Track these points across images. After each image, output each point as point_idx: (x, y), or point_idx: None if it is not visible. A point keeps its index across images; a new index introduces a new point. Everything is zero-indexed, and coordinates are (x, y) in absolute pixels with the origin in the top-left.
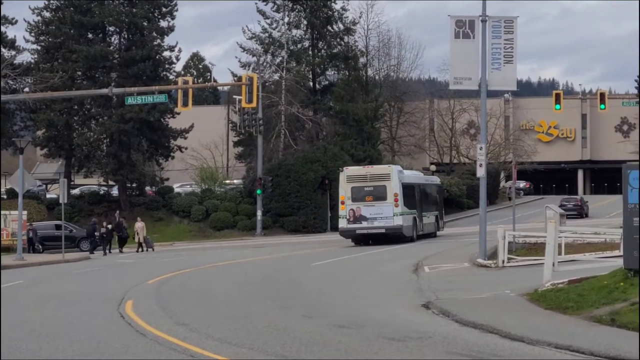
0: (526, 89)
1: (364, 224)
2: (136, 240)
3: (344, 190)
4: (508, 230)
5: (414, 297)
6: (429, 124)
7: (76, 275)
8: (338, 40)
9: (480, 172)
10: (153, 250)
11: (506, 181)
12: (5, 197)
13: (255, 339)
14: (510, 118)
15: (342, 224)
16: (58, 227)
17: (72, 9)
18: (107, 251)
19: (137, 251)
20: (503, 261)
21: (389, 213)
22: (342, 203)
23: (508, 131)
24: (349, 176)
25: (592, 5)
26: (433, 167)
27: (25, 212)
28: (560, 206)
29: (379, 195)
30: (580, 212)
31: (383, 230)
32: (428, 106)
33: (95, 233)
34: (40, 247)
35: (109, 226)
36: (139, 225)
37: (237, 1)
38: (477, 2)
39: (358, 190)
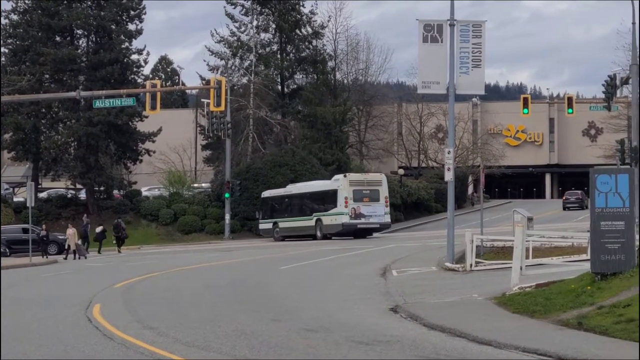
0: (494, 93)
1: (363, 220)
2: (66, 247)
3: (347, 192)
4: (476, 234)
5: (382, 300)
6: (397, 128)
7: (43, 279)
8: (306, 44)
9: (449, 176)
10: (85, 258)
11: (474, 185)
12: None
13: (223, 343)
14: (478, 122)
15: (345, 219)
16: (25, 230)
17: (40, 11)
18: (99, 252)
19: (66, 258)
20: (471, 265)
21: (381, 212)
22: (346, 203)
23: (476, 135)
24: (351, 181)
25: (563, 9)
26: (401, 171)
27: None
28: (565, 199)
29: (374, 197)
30: (581, 204)
31: (377, 225)
32: (396, 110)
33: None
34: (7, 250)
35: (101, 227)
36: (70, 231)
37: (208, 5)
38: (448, 5)
39: (358, 193)
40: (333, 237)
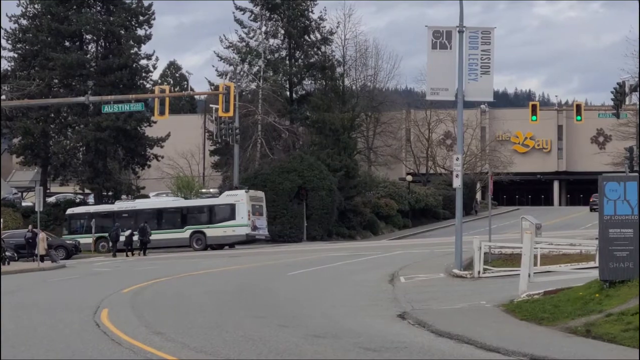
0: (503, 100)
1: (256, 231)
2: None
3: (248, 206)
4: (484, 241)
5: (390, 307)
6: (405, 134)
7: (52, 284)
8: (315, 49)
9: (457, 182)
10: (57, 262)
11: (482, 192)
12: None
13: (231, 349)
14: (486, 129)
15: (247, 230)
16: (34, 235)
17: (49, 16)
18: (128, 254)
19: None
20: (479, 272)
21: (264, 225)
22: (248, 216)
23: (484, 142)
24: (251, 196)
25: (572, 17)
26: (409, 178)
27: (1, 220)
28: (592, 202)
29: (261, 212)
30: None
31: (264, 237)
32: (405, 116)
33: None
34: (15, 255)
35: (130, 230)
36: (41, 236)
37: (218, 11)
38: (458, 12)
39: (254, 207)
40: (226, 247)
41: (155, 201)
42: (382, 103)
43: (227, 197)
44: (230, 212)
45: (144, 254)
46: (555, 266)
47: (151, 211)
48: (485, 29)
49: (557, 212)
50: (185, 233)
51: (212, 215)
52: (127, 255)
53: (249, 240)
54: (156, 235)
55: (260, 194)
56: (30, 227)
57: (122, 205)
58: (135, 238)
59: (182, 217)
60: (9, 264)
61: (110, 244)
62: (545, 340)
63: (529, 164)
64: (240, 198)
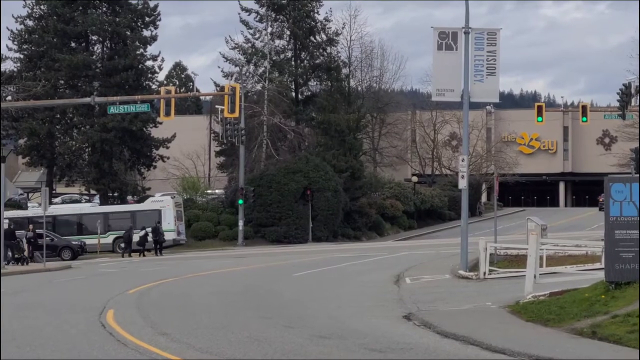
0: (508, 101)
1: (181, 236)
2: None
3: (174, 212)
4: (490, 242)
5: (395, 308)
6: (411, 136)
7: (57, 284)
8: (321, 51)
9: (462, 183)
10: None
11: (488, 193)
12: None
13: (236, 350)
14: (492, 130)
15: (174, 235)
16: (39, 236)
17: (55, 17)
18: (143, 254)
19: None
20: (484, 273)
21: (183, 229)
22: (174, 221)
23: (490, 143)
24: (176, 202)
25: (579, 18)
26: (415, 179)
27: (6, 221)
28: (600, 202)
29: (180, 217)
30: None
31: (184, 242)
32: (410, 117)
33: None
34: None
35: (147, 229)
36: (30, 234)
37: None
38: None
39: (177, 213)
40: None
41: (75, 207)
42: (387, 104)
43: (152, 203)
44: (157, 217)
45: (158, 254)
46: (561, 267)
47: (69, 217)
48: (491, 30)
49: (562, 213)
50: (108, 238)
51: (136, 220)
52: (141, 256)
53: (174, 245)
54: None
55: (180, 199)
56: (31, 227)
57: (37, 211)
58: (150, 238)
59: (104, 222)
60: (27, 263)
61: (124, 244)
62: (551, 342)
63: (535, 165)
64: (166, 204)
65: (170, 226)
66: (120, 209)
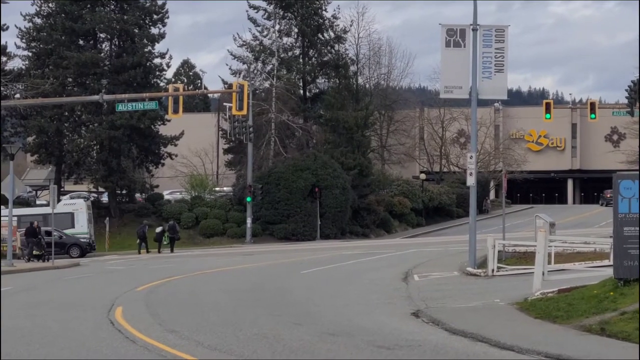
0: (516, 98)
1: (91, 238)
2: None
3: (87, 214)
4: (498, 239)
5: (404, 305)
6: (419, 133)
7: (66, 282)
8: (329, 48)
9: (471, 180)
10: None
11: (496, 190)
12: None
13: (245, 347)
14: (500, 127)
15: (90, 239)
16: (48, 233)
17: (63, 15)
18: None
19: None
20: (493, 270)
21: (93, 232)
22: (88, 224)
23: (498, 140)
24: (87, 205)
25: (588, 15)
26: (423, 176)
27: (15, 219)
28: (606, 197)
29: (91, 220)
30: None
31: (94, 243)
32: (418, 115)
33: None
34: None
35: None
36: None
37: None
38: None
39: (90, 216)
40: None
41: None
42: (395, 101)
43: (65, 206)
44: (70, 220)
45: (171, 251)
46: (569, 264)
47: None
48: (499, 27)
49: (571, 210)
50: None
51: (49, 223)
52: (159, 252)
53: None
54: None
55: (89, 202)
56: (35, 223)
57: (26, 210)
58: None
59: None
60: (48, 260)
61: (139, 241)
62: (559, 339)
63: (543, 162)
64: (79, 207)
65: (83, 229)
66: (33, 211)
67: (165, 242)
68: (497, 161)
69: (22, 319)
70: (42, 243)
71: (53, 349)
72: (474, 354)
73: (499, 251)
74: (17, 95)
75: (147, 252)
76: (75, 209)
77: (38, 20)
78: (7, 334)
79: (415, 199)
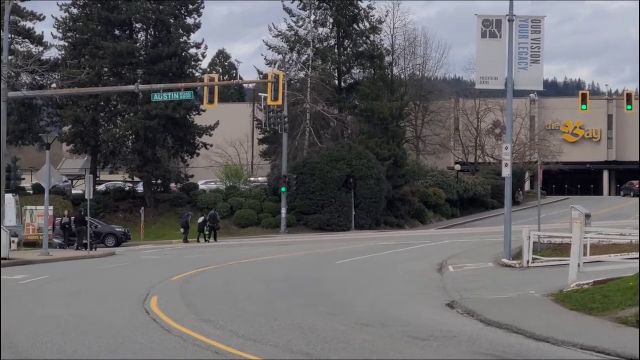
0: (552, 89)
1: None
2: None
3: (15, 209)
4: (533, 231)
5: (438, 296)
6: (454, 123)
7: (101, 271)
8: (364, 38)
9: (506, 171)
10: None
11: (531, 181)
12: (31, 192)
13: (279, 337)
14: (535, 118)
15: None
16: (83, 221)
17: (99, 5)
18: (204, 239)
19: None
20: (528, 261)
21: None
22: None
23: (533, 131)
24: (16, 200)
25: (625, 6)
26: (458, 167)
27: (51, 208)
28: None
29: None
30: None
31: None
32: (453, 105)
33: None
34: (65, 242)
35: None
36: (66, 220)
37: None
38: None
39: (18, 211)
40: None
41: None
42: (430, 92)
43: None
44: None
45: (214, 240)
46: (604, 256)
47: None
48: (535, 17)
49: (606, 201)
50: None
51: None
52: (198, 241)
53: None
54: None
55: (17, 197)
56: (66, 212)
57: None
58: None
59: None
60: (95, 249)
61: (182, 229)
62: (595, 331)
63: (579, 154)
64: (7, 202)
65: (12, 223)
66: None
67: (206, 232)
68: (532, 152)
69: (58, 307)
70: (92, 232)
71: (89, 337)
72: (509, 345)
73: (534, 242)
74: (53, 85)
75: (186, 241)
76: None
77: (74, 10)
78: (43, 323)
79: (450, 190)
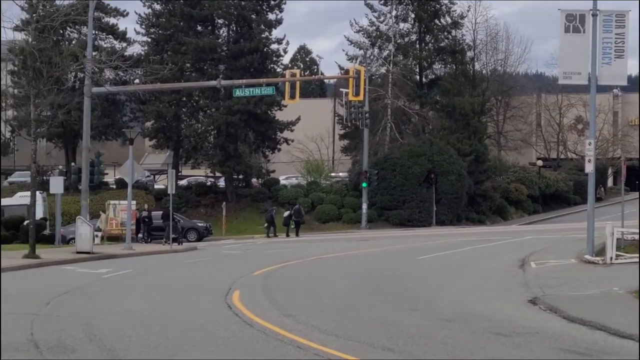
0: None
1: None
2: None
3: (42, 207)
4: (617, 227)
5: (521, 292)
6: (536, 119)
7: (183, 266)
8: (445, 34)
9: (589, 167)
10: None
11: (614, 177)
12: (114, 187)
13: (361, 332)
14: (619, 113)
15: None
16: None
17: (181, 1)
18: (287, 234)
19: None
20: (611, 258)
21: None
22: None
23: (616, 127)
24: (44, 198)
25: None
26: (540, 163)
27: (134, 202)
28: None
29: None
30: None
31: None
32: (535, 101)
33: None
34: (149, 237)
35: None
36: (102, 216)
37: None
38: None
39: (46, 208)
40: None
41: None
42: (512, 87)
43: (20, 198)
44: (26, 212)
45: (297, 235)
46: None
47: None
48: (619, 12)
49: None
50: None
51: (3, 214)
52: (287, 235)
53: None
54: None
55: (44, 195)
56: (146, 206)
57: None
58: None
59: None
60: (181, 244)
61: (266, 224)
62: None
63: None
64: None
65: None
66: (14, 202)
67: (291, 226)
68: (615, 148)
69: (141, 301)
70: (177, 226)
71: (172, 331)
72: (592, 342)
73: (617, 239)
74: (137, 81)
75: (275, 235)
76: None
77: (157, 7)
78: (127, 316)
79: (532, 186)
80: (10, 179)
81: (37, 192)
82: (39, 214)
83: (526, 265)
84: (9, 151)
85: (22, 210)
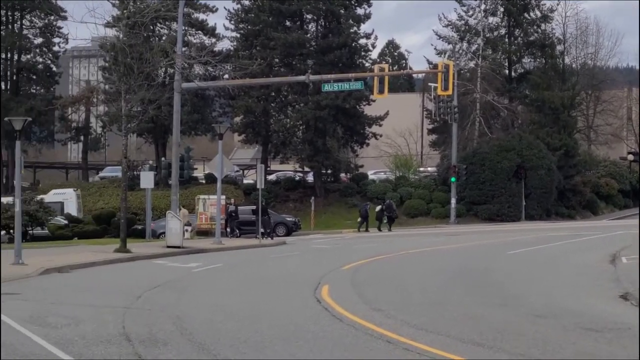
0: None
1: None
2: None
3: (76, 204)
4: None
5: (612, 287)
6: (626, 113)
7: (273, 260)
8: (535, 27)
9: None
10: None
11: None
12: (203, 181)
13: (451, 327)
14: None
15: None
16: (254, 212)
17: None
18: (380, 229)
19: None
20: None
21: None
22: (77, 214)
23: None
24: (77, 194)
25: None
26: (631, 157)
27: (223, 197)
28: None
29: (81, 209)
30: None
31: None
32: (626, 95)
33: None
34: (238, 231)
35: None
36: (184, 212)
37: None
38: None
39: (79, 205)
40: None
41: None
42: (602, 81)
43: (55, 196)
44: (60, 209)
45: (389, 230)
46: None
47: None
48: None
49: None
50: None
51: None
52: (379, 231)
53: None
54: None
55: (78, 192)
56: (232, 200)
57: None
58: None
59: None
60: (272, 238)
61: (360, 219)
62: None
63: None
64: (69, 196)
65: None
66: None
67: (383, 221)
68: None
69: (231, 295)
70: (270, 222)
71: (262, 325)
72: None
73: None
74: (226, 76)
75: (367, 230)
76: (65, 198)
77: (246, 2)
78: (217, 310)
79: (623, 180)
80: (101, 173)
81: (71, 189)
82: (73, 210)
83: (617, 261)
84: (99, 146)
85: (56, 207)
